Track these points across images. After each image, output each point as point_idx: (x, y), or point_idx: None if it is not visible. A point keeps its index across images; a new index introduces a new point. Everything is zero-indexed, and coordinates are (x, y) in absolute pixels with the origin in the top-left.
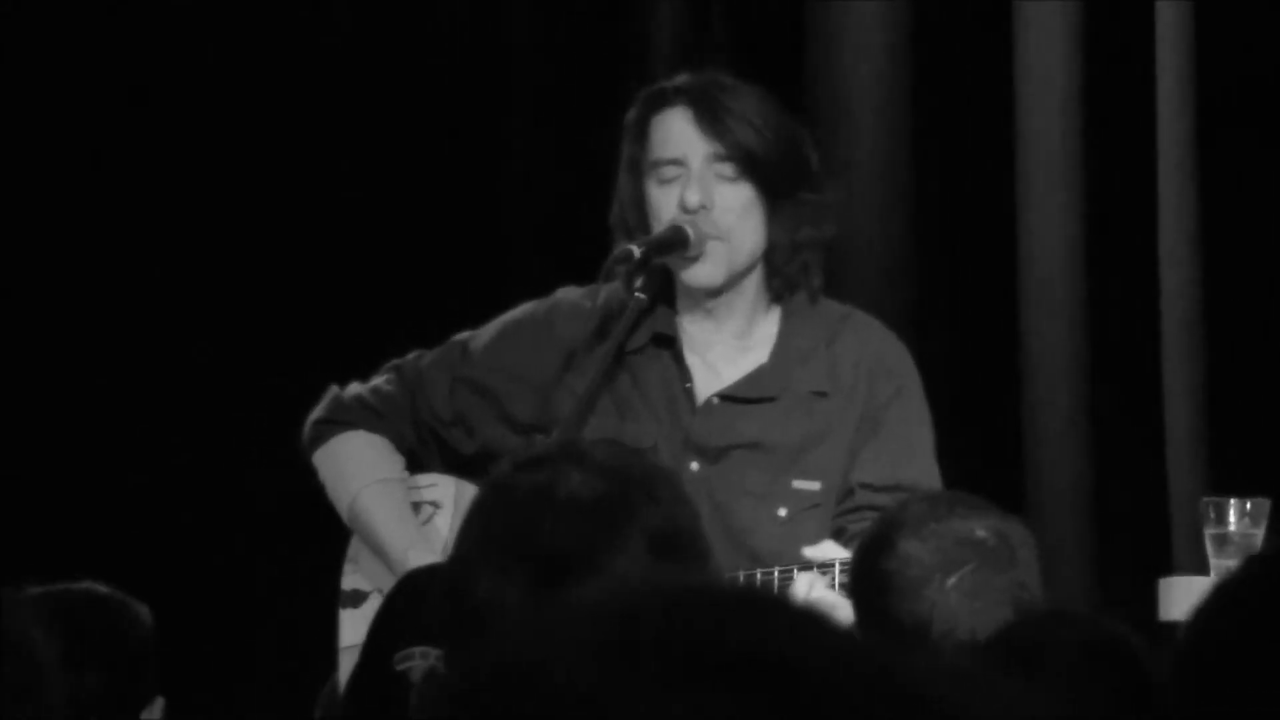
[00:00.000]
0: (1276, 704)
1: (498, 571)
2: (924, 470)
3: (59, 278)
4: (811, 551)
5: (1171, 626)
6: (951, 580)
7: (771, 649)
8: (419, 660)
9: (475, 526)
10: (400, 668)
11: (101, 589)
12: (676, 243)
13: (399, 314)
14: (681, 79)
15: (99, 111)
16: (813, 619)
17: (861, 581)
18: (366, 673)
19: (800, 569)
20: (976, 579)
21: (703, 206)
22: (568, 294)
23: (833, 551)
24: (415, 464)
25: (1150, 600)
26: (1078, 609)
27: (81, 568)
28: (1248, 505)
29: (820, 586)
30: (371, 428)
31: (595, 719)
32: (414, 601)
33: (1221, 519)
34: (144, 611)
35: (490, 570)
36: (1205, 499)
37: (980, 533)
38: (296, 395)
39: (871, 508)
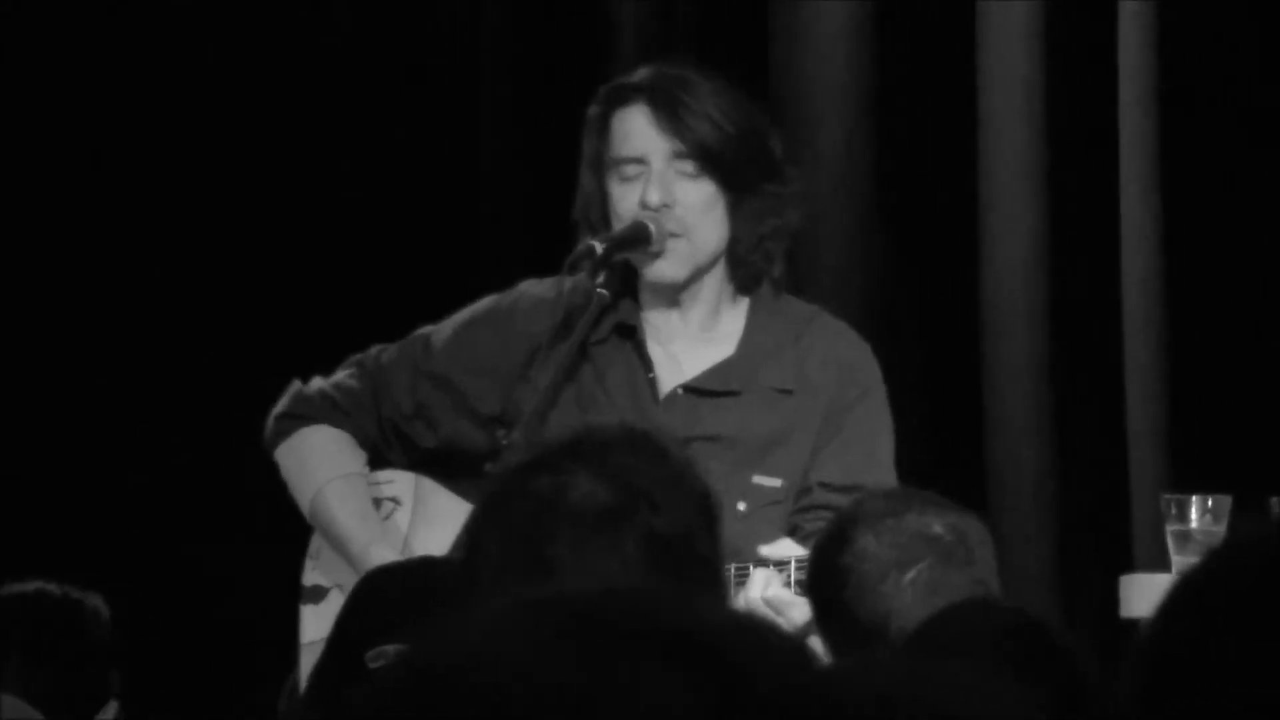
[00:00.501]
0: (1240, 700)
1: (499, 577)
2: (883, 475)
3: (59, 278)
4: (768, 550)
5: (1133, 624)
6: (908, 576)
7: (703, 634)
8: (394, 658)
9: (478, 527)
10: (373, 666)
11: (54, 590)
12: (639, 239)
13: (400, 318)
14: (642, 75)
15: (99, 111)
16: (748, 620)
17: (818, 577)
18: (331, 669)
19: (756, 565)
20: (933, 575)
21: (664, 205)
22: (530, 287)
23: (789, 549)
24: (377, 459)
25: (1112, 597)
26: (1000, 600)
27: (41, 555)
28: (1209, 502)
29: (776, 584)
30: (334, 423)
31: (532, 705)
32: (380, 598)
33: (1183, 516)
34: (100, 607)
35: (492, 575)
36: (1167, 495)
37: (937, 529)
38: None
39: (828, 507)
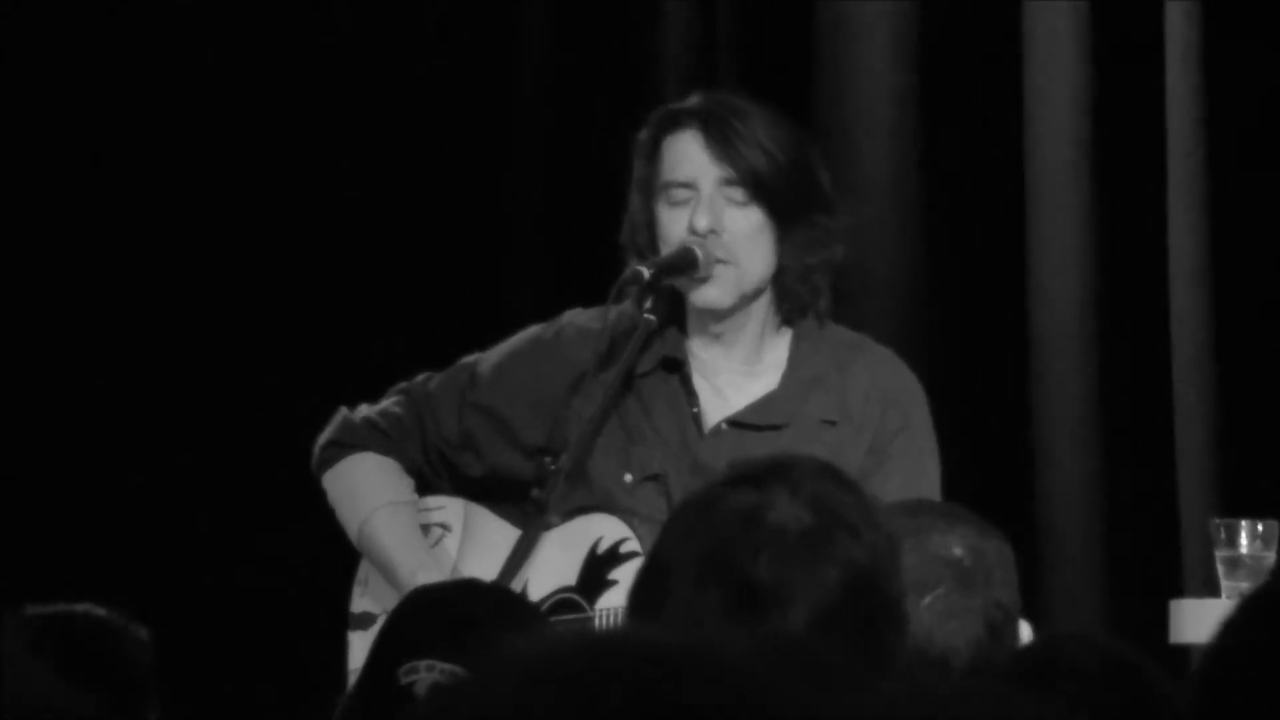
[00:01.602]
0: None
1: (694, 590)
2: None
3: (59, 278)
4: None
5: (1182, 649)
6: (925, 601)
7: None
8: (424, 674)
9: (674, 538)
10: (405, 681)
11: (100, 611)
12: (685, 264)
13: (399, 318)
14: (694, 101)
15: (99, 111)
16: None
17: None
18: (369, 685)
19: None
20: (950, 600)
21: (712, 231)
22: (575, 316)
23: None
24: (424, 486)
25: (1161, 622)
26: (1090, 631)
27: (78, 576)
28: (1259, 527)
29: None
30: (381, 450)
31: None
32: (419, 617)
33: (1233, 541)
34: (143, 634)
35: (687, 584)
36: (1216, 520)
37: (956, 551)
38: (295, 397)
39: None
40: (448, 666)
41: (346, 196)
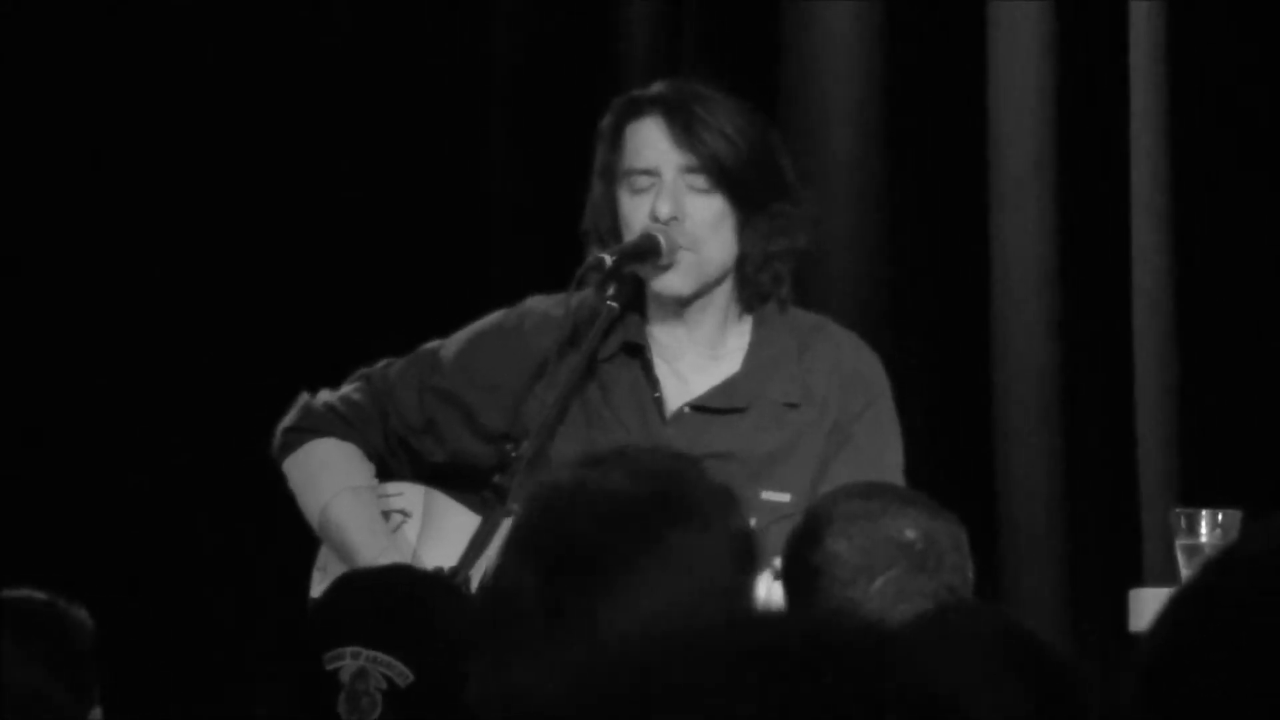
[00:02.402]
0: (1237, 711)
1: (518, 558)
2: (891, 481)
3: (59, 278)
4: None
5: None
6: (877, 584)
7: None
8: (349, 660)
9: (519, 521)
10: (330, 667)
11: (39, 595)
12: (648, 251)
13: (393, 315)
14: (657, 88)
15: (99, 111)
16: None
17: (791, 572)
18: (295, 671)
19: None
20: (902, 583)
21: (674, 218)
22: (537, 303)
23: None
24: (385, 472)
25: (1121, 611)
26: (987, 603)
27: (29, 564)
28: (1219, 516)
29: (777, 591)
30: (342, 436)
31: None
32: (346, 602)
33: (1193, 530)
34: (84, 618)
35: (512, 558)
36: (1177, 510)
37: (909, 534)
38: (292, 394)
39: None
40: (373, 653)
41: (346, 197)
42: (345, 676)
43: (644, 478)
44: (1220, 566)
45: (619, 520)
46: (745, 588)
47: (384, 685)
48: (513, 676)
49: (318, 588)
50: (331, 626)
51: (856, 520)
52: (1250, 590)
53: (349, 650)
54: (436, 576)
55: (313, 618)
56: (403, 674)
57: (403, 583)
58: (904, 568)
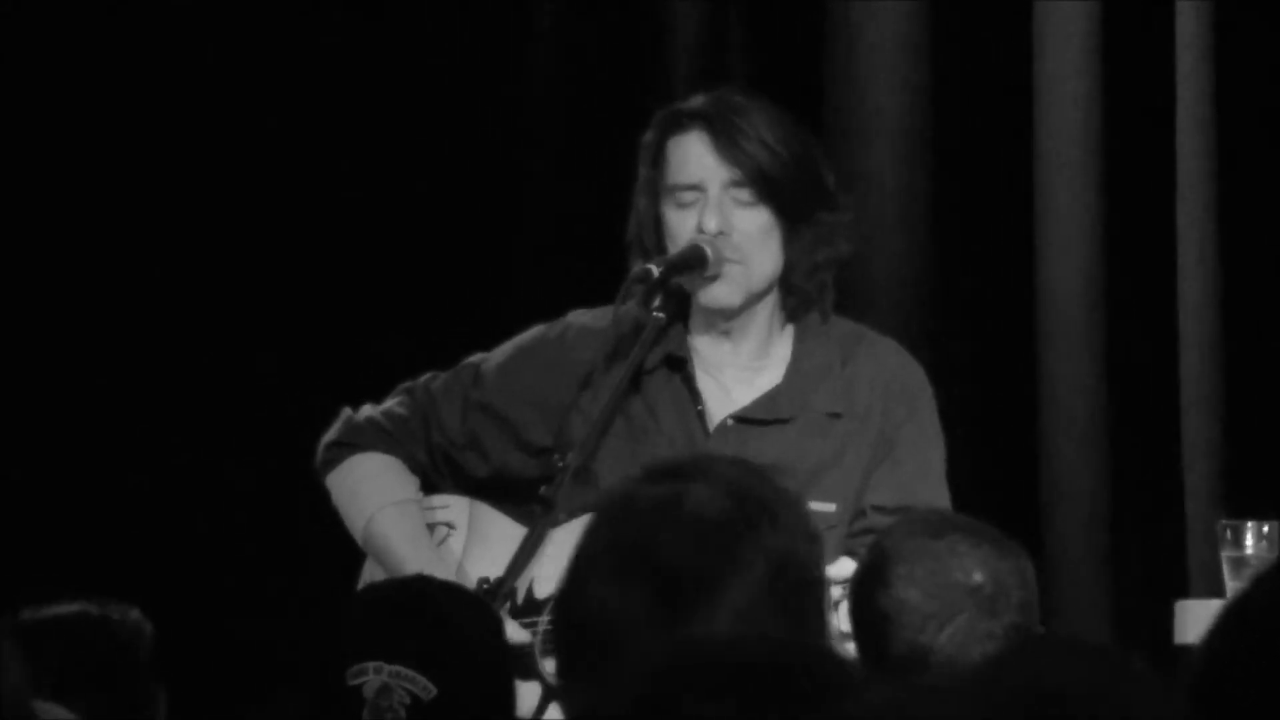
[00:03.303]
0: None
1: (615, 583)
2: (935, 493)
3: (59, 278)
4: (833, 570)
5: (1187, 650)
6: (947, 631)
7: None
8: (373, 675)
9: (596, 536)
10: (354, 683)
11: (94, 610)
12: (695, 262)
13: (402, 318)
14: (698, 101)
15: (99, 111)
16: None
17: (858, 617)
18: (315, 686)
19: None
20: (972, 626)
21: (721, 232)
22: (578, 316)
23: (848, 569)
24: (427, 486)
25: (1166, 624)
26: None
27: (79, 571)
28: (1265, 528)
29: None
30: (385, 450)
31: None
32: (367, 615)
33: (1238, 542)
34: (144, 628)
35: (607, 581)
36: (1222, 521)
37: (978, 577)
38: (296, 395)
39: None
40: (395, 668)
41: (352, 197)
42: (369, 692)
43: (732, 494)
44: (1271, 580)
45: (717, 539)
46: (823, 583)
47: (407, 700)
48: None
49: None
50: (353, 642)
51: (924, 561)
52: None
53: (372, 665)
54: (457, 587)
55: (332, 631)
56: (426, 688)
57: (423, 595)
58: (973, 613)
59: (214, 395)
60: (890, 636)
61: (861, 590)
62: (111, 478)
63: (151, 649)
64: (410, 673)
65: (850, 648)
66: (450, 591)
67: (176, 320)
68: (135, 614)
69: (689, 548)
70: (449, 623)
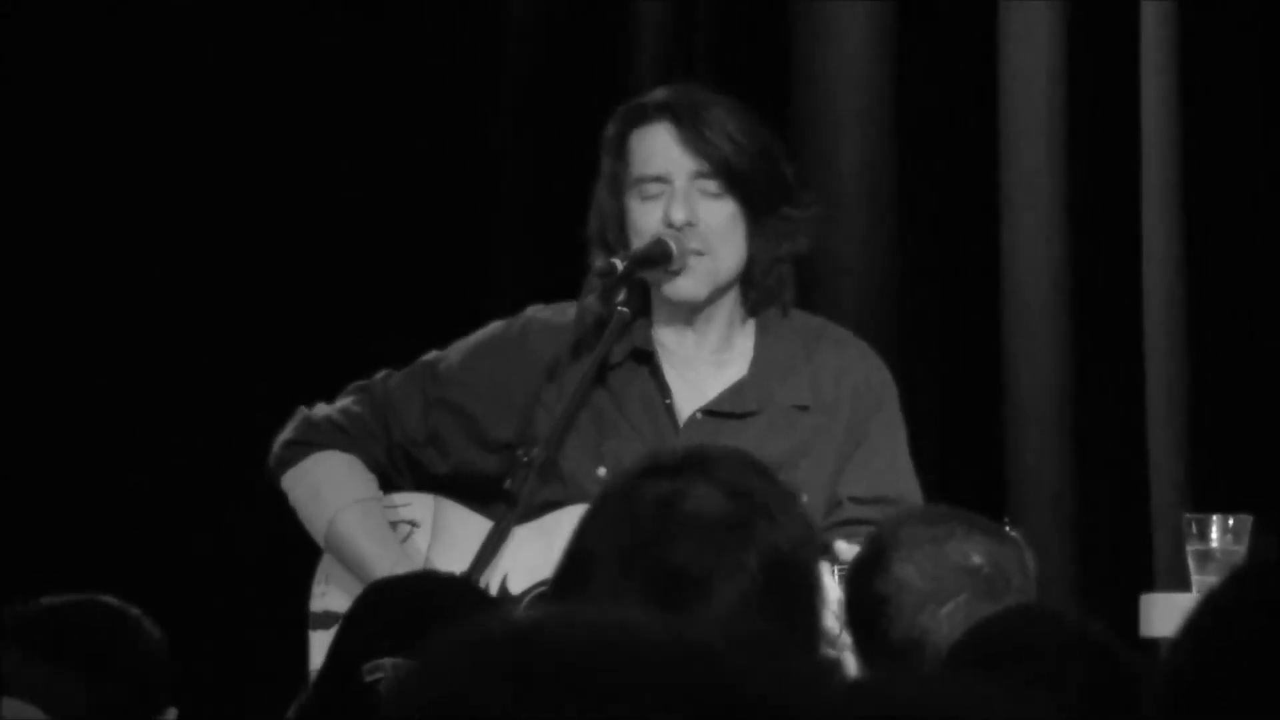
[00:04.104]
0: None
1: (617, 580)
2: (907, 481)
3: (59, 277)
4: (843, 547)
5: (1153, 643)
6: (945, 609)
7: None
8: (390, 671)
9: (594, 530)
10: (369, 679)
11: (114, 601)
12: (660, 256)
13: (394, 319)
14: (660, 94)
15: (98, 111)
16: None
17: (855, 600)
18: (331, 683)
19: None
20: (970, 608)
21: (689, 223)
22: (538, 311)
23: (846, 553)
24: (387, 485)
25: (1132, 617)
26: (1054, 608)
27: (74, 571)
28: (1230, 521)
29: (832, 582)
30: (344, 448)
31: None
32: (380, 611)
33: (1204, 535)
34: (153, 623)
35: (608, 577)
36: (1187, 515)
37: (976, 560)
38: (293, 397)
39: (860, 521)
40: (411, 663)
41: (346, 198)
42: (385, 688)
43: (732, 493)
44: (1245, 576)
45: (715, 540)
46: (820, 576)
47: None
48: None
49: (319, 600)
50: (367, 638)
51: (921, 545)
52: (1273, 600)
53: (388, 661)
54: (465, 582)
55: (346, 627)
56: None
57: (434, 590)
58: (971, 593)
59: (213, 397)
60: (888, 619)
61: (859, 577)
62: (111, 477)
63: (166, 648)
64: None
65: (844, 643)
66: (457, 586)
67: (176, 320)
68: (150, 619)
69: (688, 548)
70: (459, 617)
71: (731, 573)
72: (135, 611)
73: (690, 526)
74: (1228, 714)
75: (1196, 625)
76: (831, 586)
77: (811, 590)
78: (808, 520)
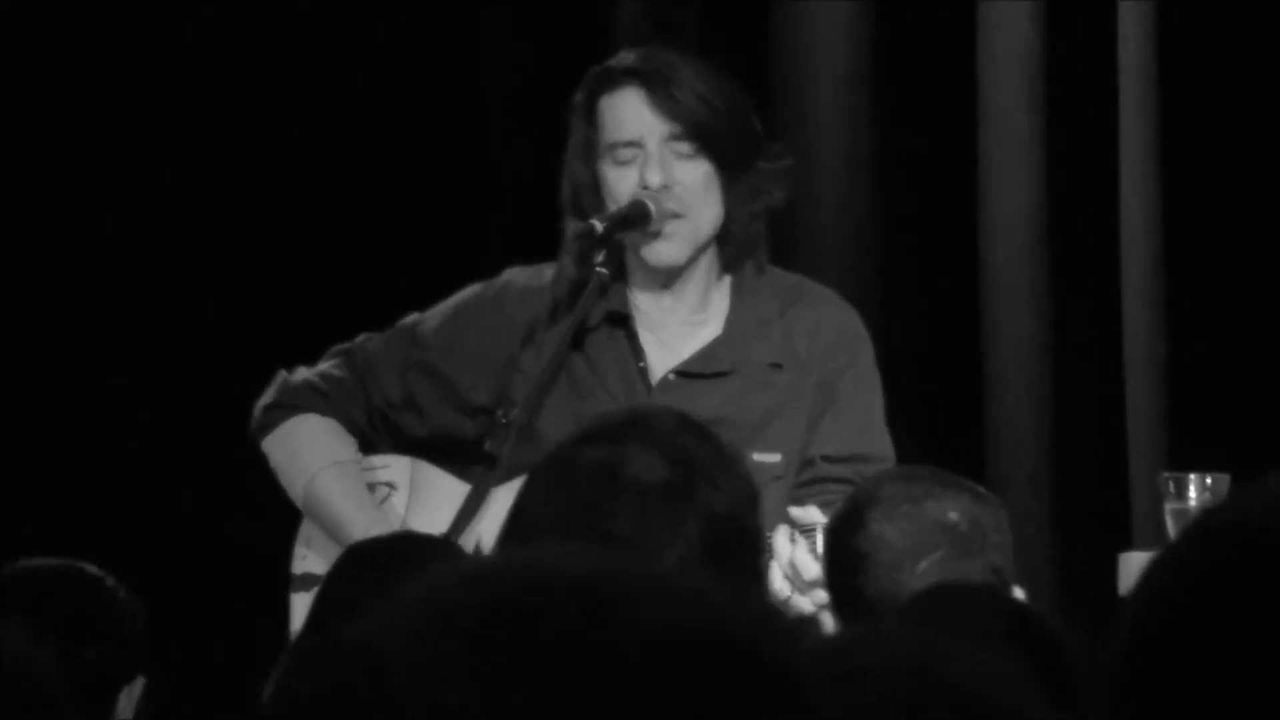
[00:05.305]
0: (1218, 678)
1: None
2: (880, 441)
3: (59, 278)
4: (798, 512)
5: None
6: (922, 565)
7: (592, 641)
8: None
9: (534, 497)
10: None
11: (91, 567)
12: (638, 218)
13: (389, 310)
14: (628, 58)
15: (98, 111)
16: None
17: (834, 559)
18: (309, 645)
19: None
20: (946, 565)
21: (664, 186)
22: (516, 275)
23: (816, 516)
24: (366, 447)
25: (1110, 575)
26: (980, 582)
27: (53, 536)
28: (1208, 480)
29: (803, 549)
30: (323, 412)
31: (424, 703)
32: (359, 572)
33: (1181, 494)
34: (130, 592)
35: (545, 542)
36: (1165, 474)
37: (953, 516)
38: (275, 367)
39: (832, 479)
40: None
41: (343, 193)
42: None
43: (670, 457)
44: (1200, 532)
45: (655, 505)
46: (762, 537)
47: None
48: None
49: (300, 563)
50: (347, 600)
51: (900, 504)
52: (1230, 556)
53: None
54: (444, 542)
55: (325, 589)
56: None
57: (413, 552)
58: (949, 550)
59: (198, 373)
60: (865, 574)
61: (838, 534)
62: (90, 441)
63: (143, 615)
64: None
65: (811, 598)
66: (436, 546)
67: (175, 319)
68: (114, 580)
69: (628, 516)
70: None
71: (672, 539)
72: (112, 580)
73: (630, 494)
74: (1183, 672)
75: (1147, 585)
76: (785, 549)
77: (755, 552)
78: (749, 481)
